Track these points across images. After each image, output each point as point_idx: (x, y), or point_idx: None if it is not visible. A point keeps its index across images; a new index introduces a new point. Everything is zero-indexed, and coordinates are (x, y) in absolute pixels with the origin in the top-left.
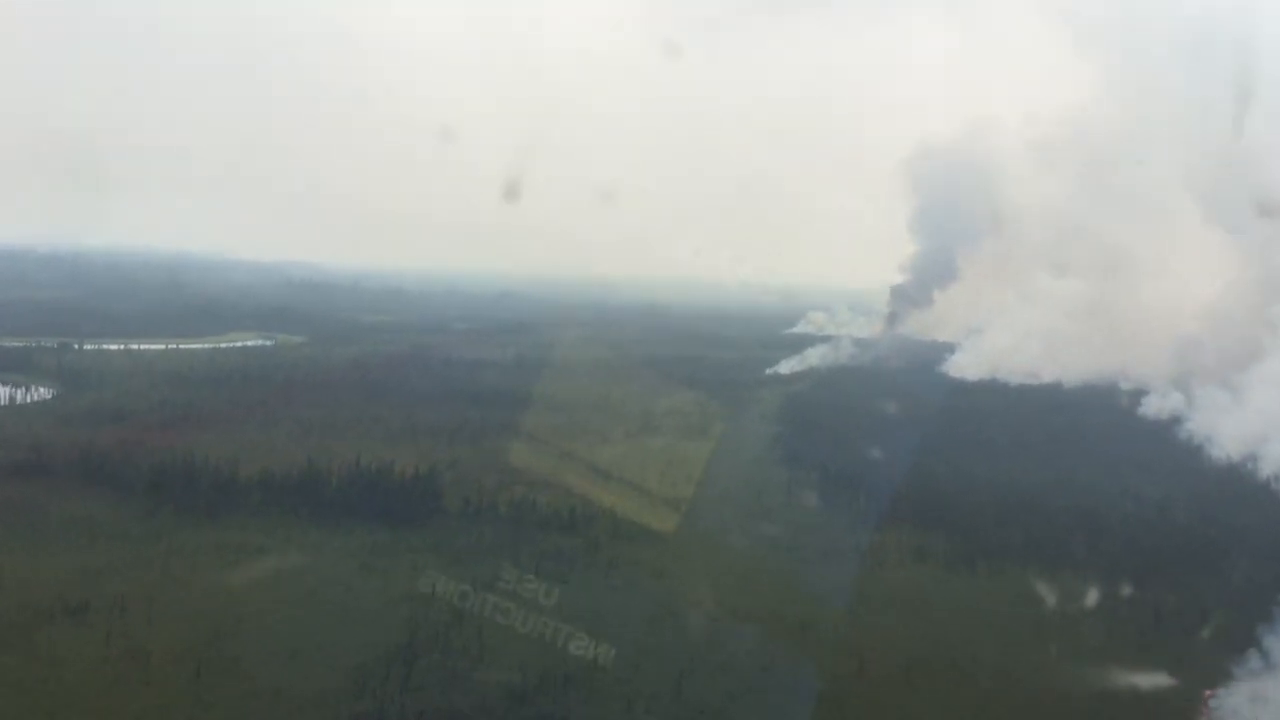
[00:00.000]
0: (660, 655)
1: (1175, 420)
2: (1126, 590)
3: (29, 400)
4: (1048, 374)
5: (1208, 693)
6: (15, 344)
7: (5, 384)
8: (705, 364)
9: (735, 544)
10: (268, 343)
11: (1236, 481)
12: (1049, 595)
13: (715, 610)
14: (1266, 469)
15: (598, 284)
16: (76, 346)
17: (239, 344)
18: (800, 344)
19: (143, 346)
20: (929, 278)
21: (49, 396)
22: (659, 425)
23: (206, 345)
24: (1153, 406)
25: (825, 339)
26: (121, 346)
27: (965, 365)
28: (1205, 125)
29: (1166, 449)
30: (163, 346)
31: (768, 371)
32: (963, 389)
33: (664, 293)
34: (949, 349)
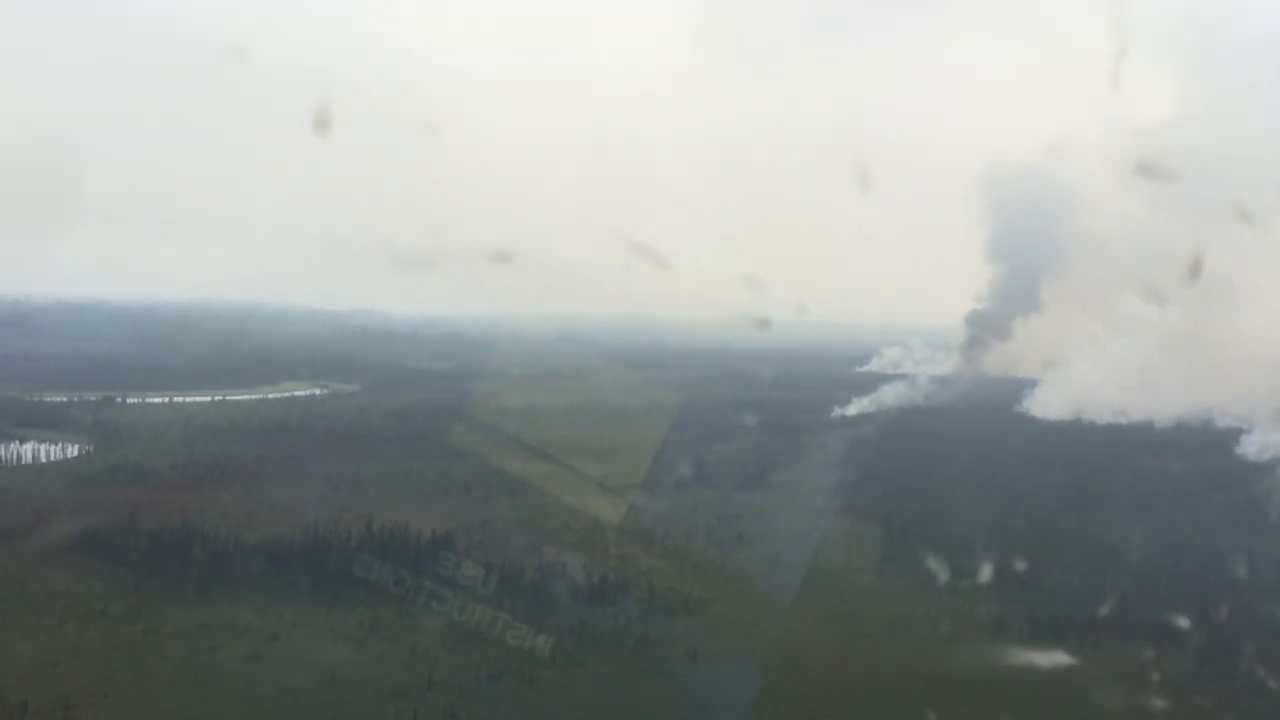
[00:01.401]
0: None
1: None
2: (1245, 668)
3: (50, 458)
4: (1137, 411)
5: None
6: (57, 398)
7: (35, 440)
8: (768, 407)
9: (784, 617)
10: (320, 392)
11: None
12: (1153, 675)
13: (755, 698)
14: None
15: (659, 326)
16: (119, 400)
17: (290, 394)
18: (871, 383)
19: (188, 399)
20: (1007, 308)
21: (73, 454)
22: (712, 475)
23: (255, 396)
24: (1254, 446)
25: (897, 377)
26: (166, 399)
27: (1047, 403)
28: None
29: (1273, 494)
30: (209, 399)
31: (834, 414)
32: (1044, 430)
33: (728, 333)
34: (1029, 385)
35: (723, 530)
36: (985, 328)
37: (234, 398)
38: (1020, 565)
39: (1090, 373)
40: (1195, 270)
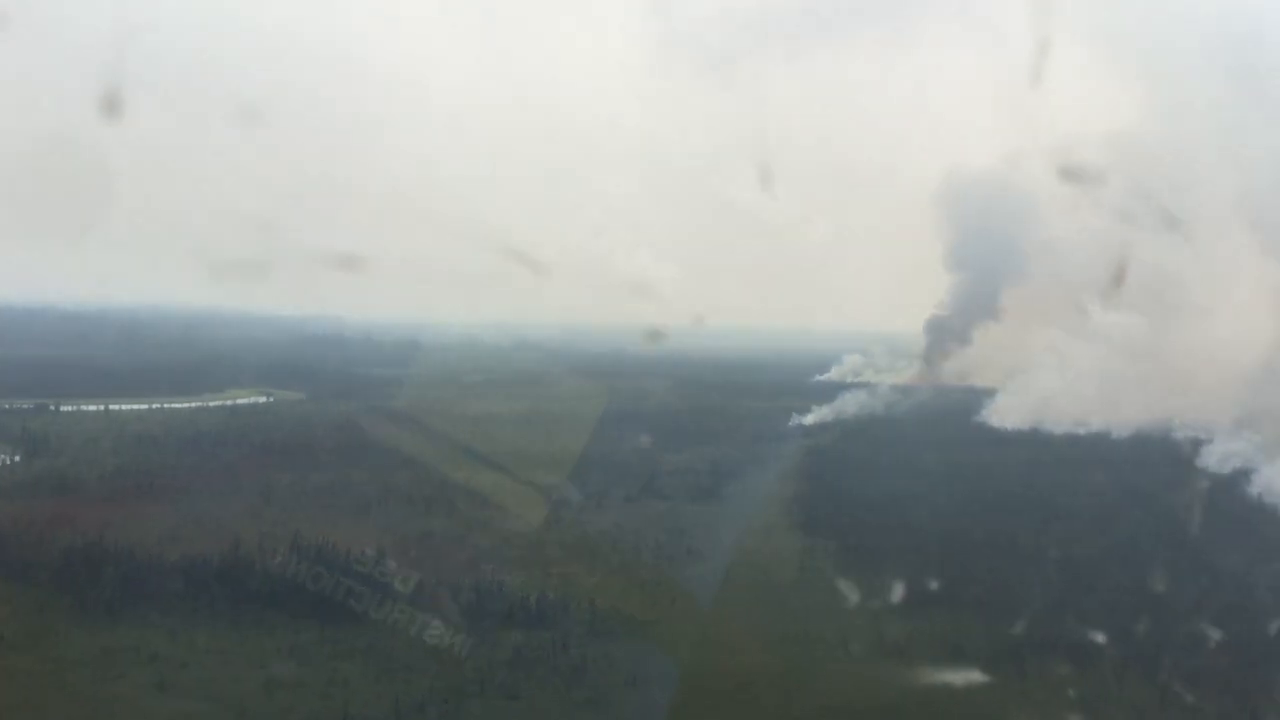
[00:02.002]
0: None
1: (1241, 473)
2: (1215, 689)
3: None
4: (1096, 421)
5: None
6: None
7: None
8: (725, 415)
9: (731, 639)
10: (265, 399)
11: None
12: (1075, 694)
13: None
14: None
15: (619, 333)
16: (53, 408)
17: (231, 402)
18: (830, 392)
19: (125, 407)
20: (966, 317)
21: None
22: (663, 486)
23: (195, 404)
24: (1214, 457)
25: (856, 386)
26: (102, 407)
27: (1006, 413)
28: (1257, 146)
29: (1235, 506)
30: (146, 406)
31: (791, 423)
32: (1003, 441)
33: (691, 341)
34: (989, 395)
35: (670, 546)
36: (945, 335)
37: (173, 405)
38: (976, 584)
39: (1049, 382)
40: (1154, 278)
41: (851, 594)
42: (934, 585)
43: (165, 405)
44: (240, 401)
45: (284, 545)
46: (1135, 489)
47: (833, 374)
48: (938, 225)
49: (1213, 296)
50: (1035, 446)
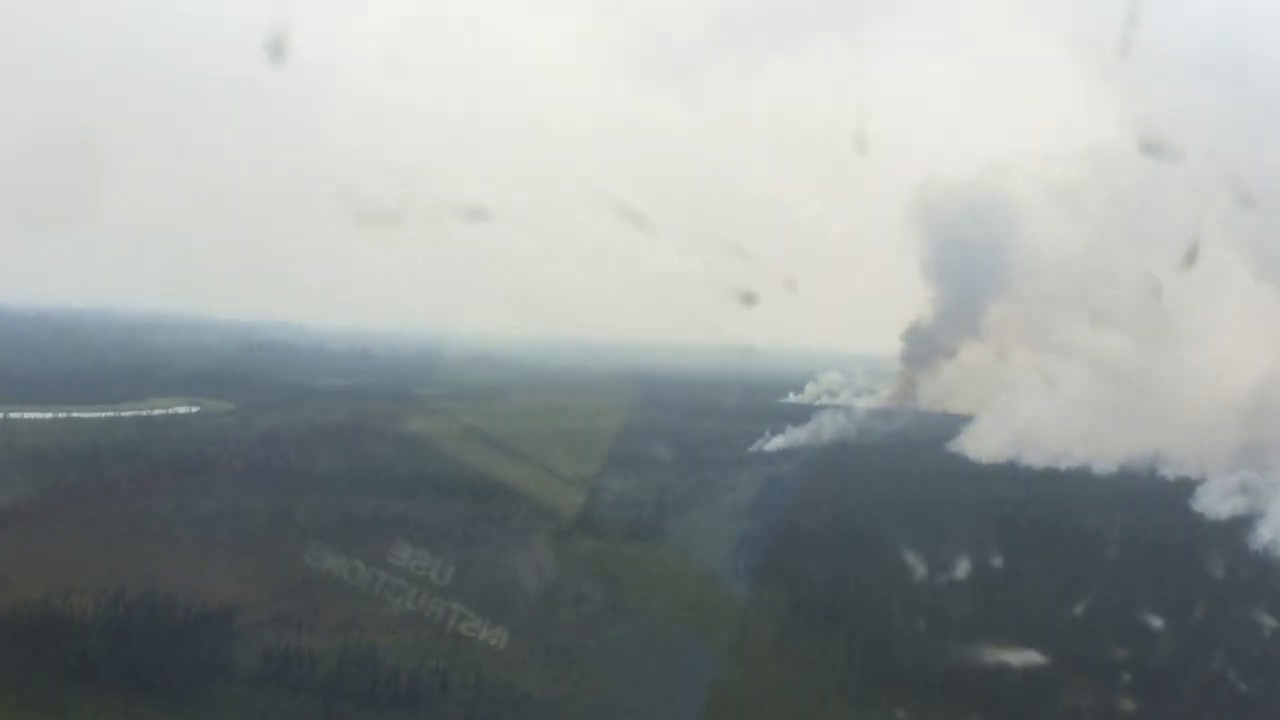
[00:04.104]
0: None
1: (1241, 521)
2: None
3: None
4: (1080, 453)
5: None
6: None
7: None
8: (681, 440)
9: None
10: (190, 410)
11: None
12: None
13: None
14: None
15: (585, 347)
16: None
17: (150, 412)
18: (797, 414)
19: (27, 415)
20: (944, 334)
21: None
22: (599, 522)
23: (108, 414)
24: (1210, 501)
25: (826, 408)
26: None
27: (980, 443)
28: (1249, 161)
29: (1236, 559)
30: (51, 415)
31: (750, 449)
32: (976, 475)
33: (659, 357)
34: (965, 421)
35: (595, 597)
36: (922, 354)
37: (81, 415)
38: (943, 652)
39: (1030, 408)
40: (1137, 302)
41: (800, 657)
42: (888, 655)
43: (72, 415)
44: (158, 412)
45: (131, 592)
46: (1122, 537)
47: (806, 393)
48: (914, 235)
49: (1207, 319)
50: (1014, 483)
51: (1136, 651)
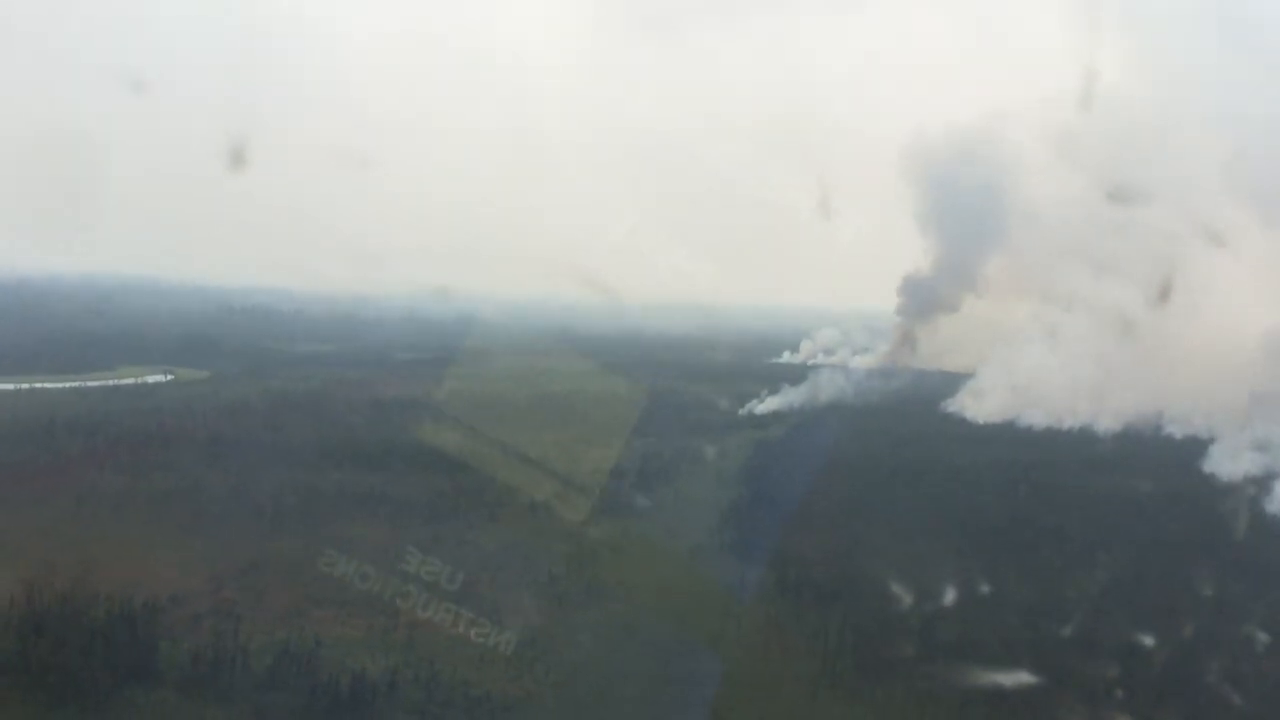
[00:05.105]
0: None
1: (1256, 482)
2: None
3: None
4: (1083, 411)
5: None
6: None
7: None
8: (668, 403)
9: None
10: (162, 379)
11: None
12: None
13: None
14: None
15: (569, 309)
16: None
17: (118, 382)
18: (789, 375)
19: None
20: (936, 291)
21: None
22: (574, 496)
23: (73, 384)
24: (1222, 460)
25: (820, 368)
26: None
27: (980, 402)
28: (1253, 104)
29: (1254, 524)
30: (14, 387)
31: (741, 411)
32: (975, 437)
33: (652, 316)
34: (963, 379)
35: (566, 579)
36: (918, 306)
37: (45, 385)
38: (939, 628)
39: (1030, 366)
40: (1141, 253)
41: (783, 647)
42: (883, 634)
43: (37, 386)
44: (126, 381)
45: (56, 584)
46: (1129, 503)
47: (802, 351)
48: (909, 187)
49: (1212, 271)
50: (1014, 445)
51: (1158, 635)
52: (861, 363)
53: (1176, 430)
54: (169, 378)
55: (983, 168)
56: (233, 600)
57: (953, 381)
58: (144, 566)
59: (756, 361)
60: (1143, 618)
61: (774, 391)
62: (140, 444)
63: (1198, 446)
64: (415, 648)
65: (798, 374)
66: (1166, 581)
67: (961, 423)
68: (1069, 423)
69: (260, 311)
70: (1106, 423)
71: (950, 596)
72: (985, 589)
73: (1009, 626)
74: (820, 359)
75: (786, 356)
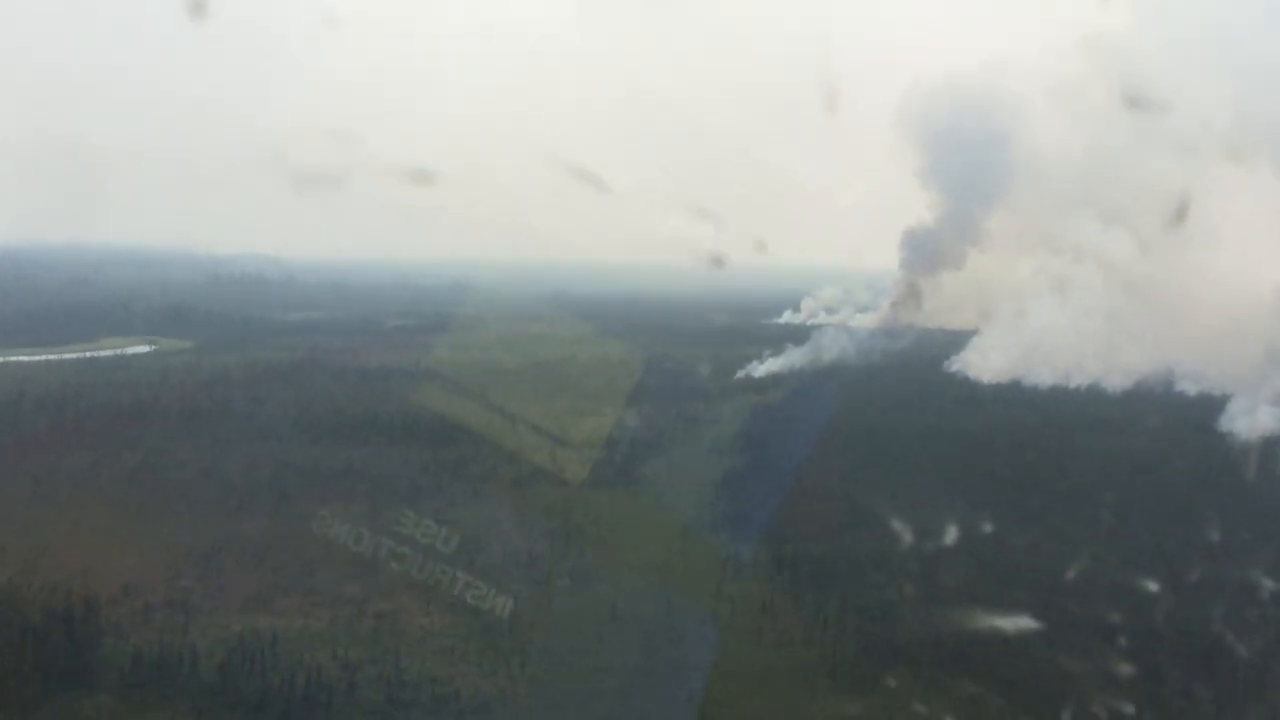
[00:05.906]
0: None
1: (1274, 440)
2: None
3: None
4: (1091, 368)
5: None
6: None
7: None
8: (664, 368)
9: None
10: (145, 350)
11: None
12: None
13: None
14: None
15: (565, 272)
16: None
17: (99, 353)
18: (788, 336)
19: None
20: (939, 244)
21: None
22: (567, 462)
23: (52, 356)
24: (1237, 418)
25: (820, 328)
26: None
27: (985, 360)
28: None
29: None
30: None
31: (739, 374)
32: (976, 398)
33: (649, 279)
34: (967, 337)
35: (550, 560)
36: (920, 260)
37: (21, 358)
38: (938, 601)
39: (1036, 323)
40: (1149, 204)
41: (778, 621)
42: (883, 612)
43: (10, 359)
44: (106, 353)
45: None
46: (1140, 465)
47: (803, 310)
48: (909, 138)
49: (1224, 223)
50: (1021, 406)
51: (1182, 609)
52: (864, 321)
53: (1189, 387)
54: (151, 348)
55: (985, 117)
56: (188, 590)
57: (957, 340)
58: (109, 548)
59: (756, 322)
60: (1164, 592)
61: (775, 353)
62: (114, 418)
63: (1212, 403)
64: (384, 639)
65: (799, 334)
66: (1185, 550)
67: (965, 383)
68: (1077, 381)
69: (250, 279)
70: (1116, 380)
71: (955, 571)
72: (993, 560)
73: (1022, 605)
74: (822, 318)
75: (788, 316)
